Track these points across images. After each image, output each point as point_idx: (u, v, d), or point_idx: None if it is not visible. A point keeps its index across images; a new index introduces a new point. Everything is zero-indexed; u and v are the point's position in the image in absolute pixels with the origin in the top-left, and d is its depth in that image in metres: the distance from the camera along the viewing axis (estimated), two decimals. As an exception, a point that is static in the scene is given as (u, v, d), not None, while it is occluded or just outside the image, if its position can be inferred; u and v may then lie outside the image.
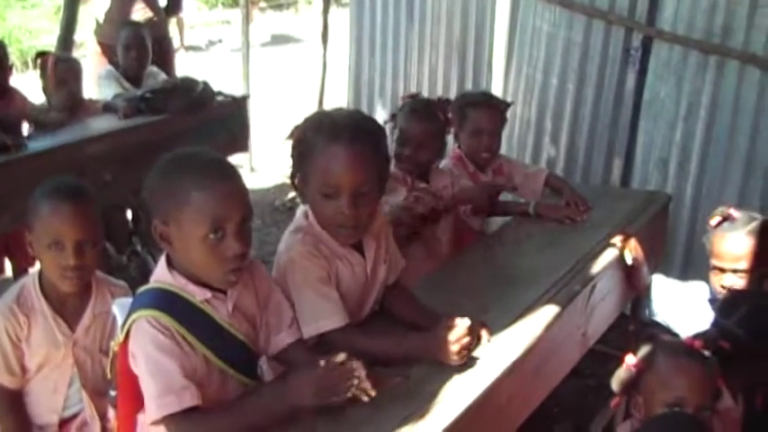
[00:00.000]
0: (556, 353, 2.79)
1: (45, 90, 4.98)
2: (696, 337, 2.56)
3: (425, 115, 3.48)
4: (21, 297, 2.66)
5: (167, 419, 2.04)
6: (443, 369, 2.31)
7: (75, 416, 2.75)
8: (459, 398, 2.21)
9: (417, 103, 3.61)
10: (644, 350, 2.52)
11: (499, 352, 2.43)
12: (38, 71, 5.02)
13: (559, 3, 5.16)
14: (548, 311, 2.72)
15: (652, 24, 4.82)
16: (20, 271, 4.63)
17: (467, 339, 2.30)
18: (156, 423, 2.06)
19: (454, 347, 2.28)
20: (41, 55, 5.07)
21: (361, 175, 2.36)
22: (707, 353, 2.49)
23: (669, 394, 2.37)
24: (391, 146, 3.39)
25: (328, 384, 2.04)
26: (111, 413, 2.42)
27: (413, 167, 3.45)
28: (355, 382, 2.04)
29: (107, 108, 5.01)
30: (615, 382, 2.55)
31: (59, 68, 4.93)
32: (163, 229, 2.11)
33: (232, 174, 2.14)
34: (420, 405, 2.16)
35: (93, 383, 2.72)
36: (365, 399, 2.07)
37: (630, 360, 2.51)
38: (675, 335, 3.26)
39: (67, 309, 2.69)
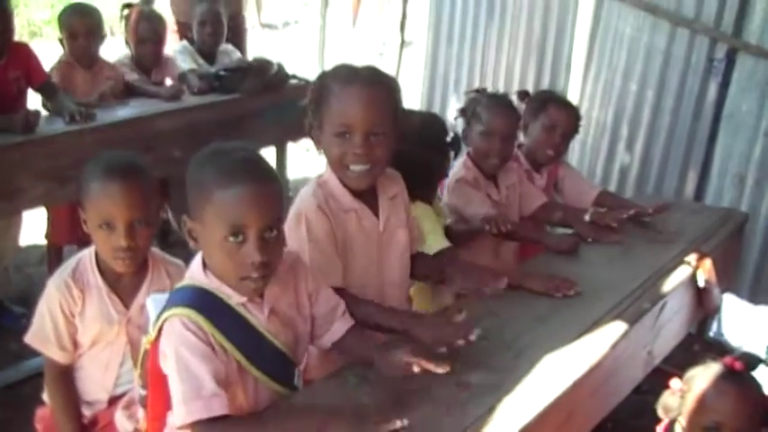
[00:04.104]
0: (620, 371, 2.71)
1: (127, 43, 5.06)
2: (739, 356, 2.39)
3: (510, 107, 3.45)
4: (76, 272, 2.62)
5: (194, 426, 1.95)
6: (503, 382, 2.24)
7: (123, 394, 2.70)
8: (517, 414, 2.13)
9: (499, 95, 3.58)
10: (689, 373, 2.42)
11: (562, 367, 2.36)
12: (123, 22, 5.07)
13: (644, 7, 5.06)
14: (615, 328, 2.63)
15: (738, 36, 4.71)
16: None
17: (451, 332, 2.24)
18: (182, 428, 1.98)
19: (437, 334, 2.24)
20: (128, 6, 5.08)
21: (374, 115, 2.38)
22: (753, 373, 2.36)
23: (705, 417, 2.28)
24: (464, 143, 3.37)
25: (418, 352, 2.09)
26: (140, 413, 2.35)
27: (500, 162, 3.43)
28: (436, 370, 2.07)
29: (181, 78, 5.01)
30: (660, 406, 2.47)
31: (141, 27, 4.98)
32: (191, 225, 2.05)
33: (262, 177, 2.03)
34: (477, 419, 2.08)
35: (146, 363, 2.70)
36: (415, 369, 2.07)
37: (676, 384, 2.43)
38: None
39: (123, 286, 2.65)
